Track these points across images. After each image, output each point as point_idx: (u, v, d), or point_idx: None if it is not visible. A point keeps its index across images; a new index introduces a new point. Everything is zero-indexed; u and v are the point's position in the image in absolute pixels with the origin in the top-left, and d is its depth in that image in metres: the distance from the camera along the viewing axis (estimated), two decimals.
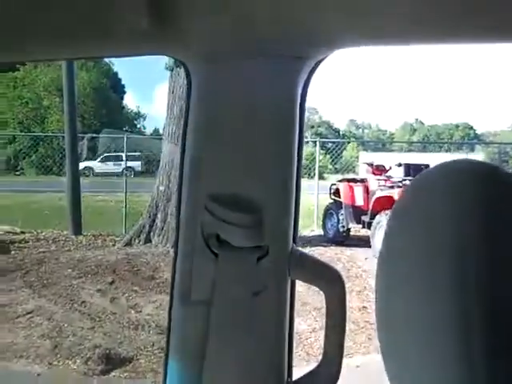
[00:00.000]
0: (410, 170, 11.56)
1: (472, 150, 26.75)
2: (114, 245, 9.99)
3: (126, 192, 12.40)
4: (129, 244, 9.92)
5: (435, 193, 0.64)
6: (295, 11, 0.88)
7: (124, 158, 14.65)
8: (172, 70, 10.26)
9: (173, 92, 10.43)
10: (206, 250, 0.99)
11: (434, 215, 0.62)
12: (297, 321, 5.31)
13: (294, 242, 1.04)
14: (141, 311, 6.51)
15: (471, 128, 61.95)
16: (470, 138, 56.07)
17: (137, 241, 9.99)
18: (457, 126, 62.41)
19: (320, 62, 1.01)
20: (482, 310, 0.56)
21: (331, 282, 1.02)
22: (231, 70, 0.96)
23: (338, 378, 1.02)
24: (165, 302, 6.66)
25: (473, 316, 0.56)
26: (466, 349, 0.56)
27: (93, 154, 19.22)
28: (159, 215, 10.00)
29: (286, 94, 0.98)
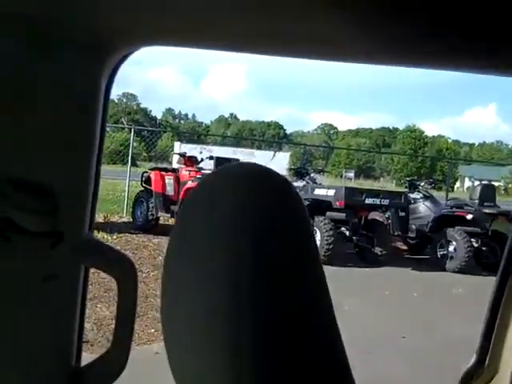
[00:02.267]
0: (221, 163, 11.96)
1: (280, 148, 27.91)
2: None
3: None
4: None
5: (216, 196, 0.64)
6: (98, 3, 0.89)
7: None
8: None
9: None
10: None
11: (213, 218, 0.63)
12: (99, 307, 5.27)
13: (90, 229, 1.04)
14: None
15: (281, 127, 64.78)
16: (279, 136, 58.51)
17: None
18: (269, 125, 64.89)
19: (126, 56, 1.02)
20: (252, 320, 0.59)
21: (124, 270, 1.03)
22: (32, 57, 0.95)
23: (125, 365, 1.03)
24: None
25: (243, 322, 0.59)
26: (234, 355, 0.59)
27: None
28: None
29: (89, 86, 0.99)
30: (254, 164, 0.68)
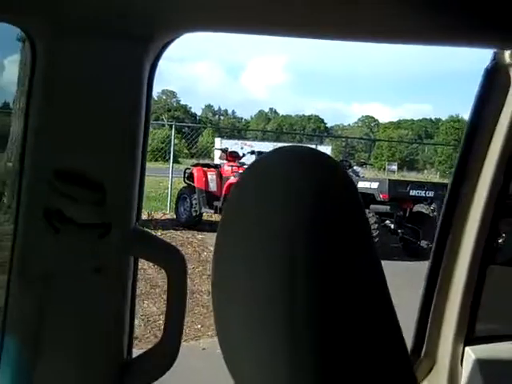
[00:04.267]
0: None
1: (321, 142, 27.79)
2: None
3: None
4: None
5: (267, 179, 0.63)
6: None
7: None
8: (24, 42, 9.78)
9: (25, 64, 9.95)
10: (47, 225, 0.98)
11: (265, 201, 0.61)
12: (146, 303, 5.32)
13: (137, 220, 1.05)
14: None
15: (322, 121, 64.51)
16: (320, 130, 58.27)
17: None
18: (309, 119, 64.70)
19: (168, 43, 1.02)
20: (309, 300, 0.58)
21: (173, 261, 1.04)
22: (77, 46, 0.95)
23: (176, 357, 1.04)
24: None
25: (299, 307, 0.57)
26: (292, 342, 0.57)
27: None
28: (6, 193, 9.57)
29: (132, 74, 0.99)
30: (307, 148, 0.66)
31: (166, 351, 1.05)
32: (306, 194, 0.60)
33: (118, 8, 0.94)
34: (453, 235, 1.67)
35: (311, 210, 0.59)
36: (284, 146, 0.67)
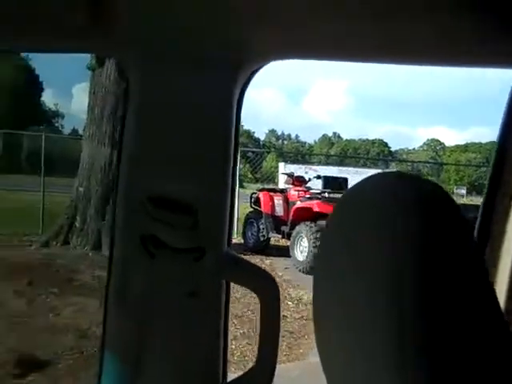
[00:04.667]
0: (329, 182, 11.90)
1: (387, 166, 27.54)
2: (30, 245, 9.69)
3: (43, 191, 12.08)
4: (46, 245, 9.65)
5: (366, 206, 0.62)
6: (232, 21, 0.92)
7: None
8: (94, 70, 10.09)
9: (94, 93, 10.25)
10: (143, 251, 1.00)
11: (366, 228, 0.61)
12: None
13: (229, 245, 1.06)
14: (59, 314, 6.36)
15: (386, 145, 63.87)
16: (384, 154, 57.69)
17: (54, 242, 9.74)
18: (373, 142, 64.15)
19: (256, 71, 1.04)
20: (416, 330, 0.56)
21: (265, 286, 1.04)
22: (168, 74, 0.97)
23: (271, 381, 1.03)
24: (83, 304, 6.52)
25: (407, 331, 0.56)
26: (399, 364, 0.56)
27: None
28: (78, 217, 9.81)
29: (223, 102, 1.00)
30: (400, 172, 0.65)
31: (261, 375, 1.04)
32: (410, 222, 0.59)
33: (209, 37, 0.95)
34: (490, 253, 1.58)
35: (416, 238, 0.58)
36: (378, 173, 0.67)
